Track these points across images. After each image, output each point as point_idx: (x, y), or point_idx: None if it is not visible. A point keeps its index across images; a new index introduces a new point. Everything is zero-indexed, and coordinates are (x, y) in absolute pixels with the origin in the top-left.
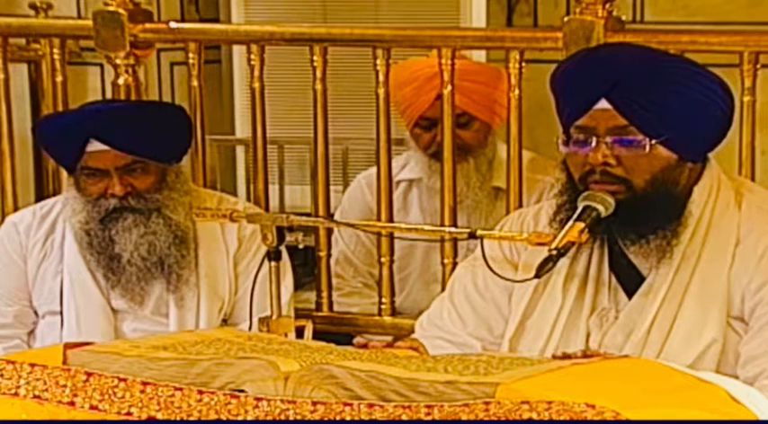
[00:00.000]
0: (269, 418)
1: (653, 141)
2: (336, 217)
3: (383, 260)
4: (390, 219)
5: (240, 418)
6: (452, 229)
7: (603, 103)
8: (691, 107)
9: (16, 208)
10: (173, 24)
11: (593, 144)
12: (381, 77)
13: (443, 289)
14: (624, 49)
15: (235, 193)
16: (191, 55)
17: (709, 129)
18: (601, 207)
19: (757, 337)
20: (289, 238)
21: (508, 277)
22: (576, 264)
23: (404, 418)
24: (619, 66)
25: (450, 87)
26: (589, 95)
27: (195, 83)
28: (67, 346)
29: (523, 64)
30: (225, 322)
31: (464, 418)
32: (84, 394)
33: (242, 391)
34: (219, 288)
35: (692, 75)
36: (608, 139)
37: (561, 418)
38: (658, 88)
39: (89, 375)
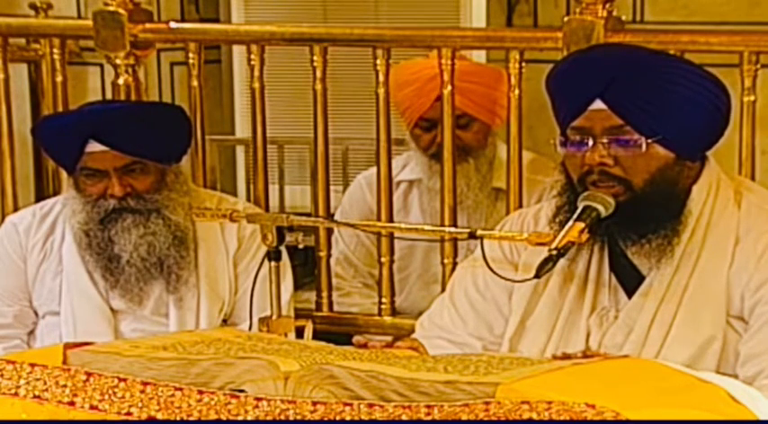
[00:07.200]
0: (269, 418)
1: (649, 140)
2: (336, 217)
3: (383, 260)
4: (390, 219)
5: (240, 418)
6: (452, 229)
7: (598, 104)
8: (685, 105)
9: (16, 208)
10: (173, 24)
11: (590, 144)
12: (381, 77)
13: (443, 289)
14: (617, 49)
15: (235, 193)
16: (191, 55)
17: (704, 127)
18: (601, 207)
19: (757, 336)
20: (289, 238)
21: (508, 277)
22: (577, 264)
23: (404, 418)
24: (612, 66)
25: (450, 87)
26: (584, 96)
27: (195, 83)
28: (67, 346)
29: (523, 64)
30: (225, 322)
31: (464, 418)
32: (84, 394)
33: (242, 391)
34: (219, 288)
35: (686, 73)
36: (604, 139)
37: (561, 418)
38: (652, 87)
39: (89, 375)
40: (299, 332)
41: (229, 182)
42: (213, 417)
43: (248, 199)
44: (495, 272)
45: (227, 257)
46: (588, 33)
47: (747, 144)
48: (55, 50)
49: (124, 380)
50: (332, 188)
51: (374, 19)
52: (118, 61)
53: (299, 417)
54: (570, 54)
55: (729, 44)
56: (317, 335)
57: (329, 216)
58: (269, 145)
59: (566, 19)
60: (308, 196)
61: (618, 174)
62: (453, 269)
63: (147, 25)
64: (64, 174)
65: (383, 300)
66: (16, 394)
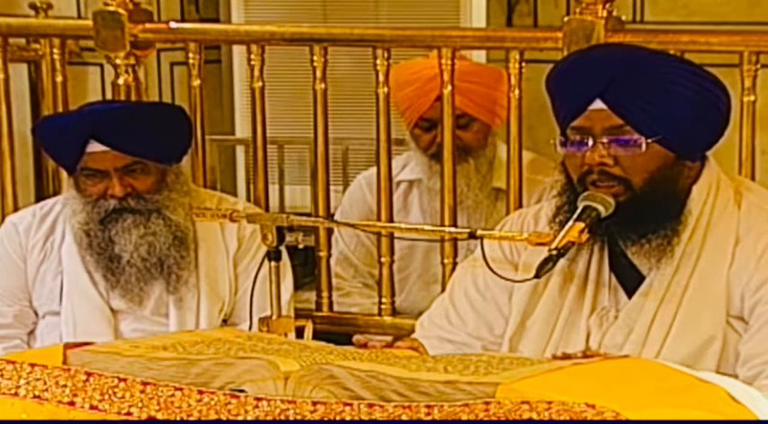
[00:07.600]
0: (269, 418)
1: (649, 140)
2: (336, 217)
3: (383, 260)
4: (390, 219)
5: (240, 418)
6: (452, 229)
7: (598, 104)
8: (685, 105)
9: (16, 208)
10: (173, 24)
11: (590, 144)
12: (381, 77)
13: (443, 289)
14: (617, 49)
15: (235, 193)
16: (191, 55)
17: (704, 127)
18: (601, 207)
19: (757, 336)
20: (289, 238)
21: (508, 277)
22: (576, 264)
23: (404, 418)
24: (612, 66)
25: (450, 87)
26: (584, 96)
27: (195, 83)
28: (67, 346)
29: (523, 64)
30: (225, 322)
31: (464, 418)
32: (84, 394)
33: (242, 391)
34: (219, 289)
35: (686, 73)
36: (604, 139)
37: (561, 418)
38: (652, 87)
39: (89, 375)
40: (299, 332)
41: (229, 182)
42: (213, 417)
43: (248, 199)
44: (495, 272)
45: (227, 257)
46: (588, 33)
47: (747, 144)
48: (55, 50)
49: (124, 380)
50: (332, 188)
51: (374, 19)
52: (118, 61)
53: (299, 417)
54: (570, 54)
55: (729, 44)
56: (316, 335)
57: (329, 216)
58: (269, 145)
59: (566, 19)
60: (308, 196)
61: (618, 174)
62: (453, 269)
63: (147, 25)
64: (64, 174)
65: (383, 300)
66: (16, 394)
